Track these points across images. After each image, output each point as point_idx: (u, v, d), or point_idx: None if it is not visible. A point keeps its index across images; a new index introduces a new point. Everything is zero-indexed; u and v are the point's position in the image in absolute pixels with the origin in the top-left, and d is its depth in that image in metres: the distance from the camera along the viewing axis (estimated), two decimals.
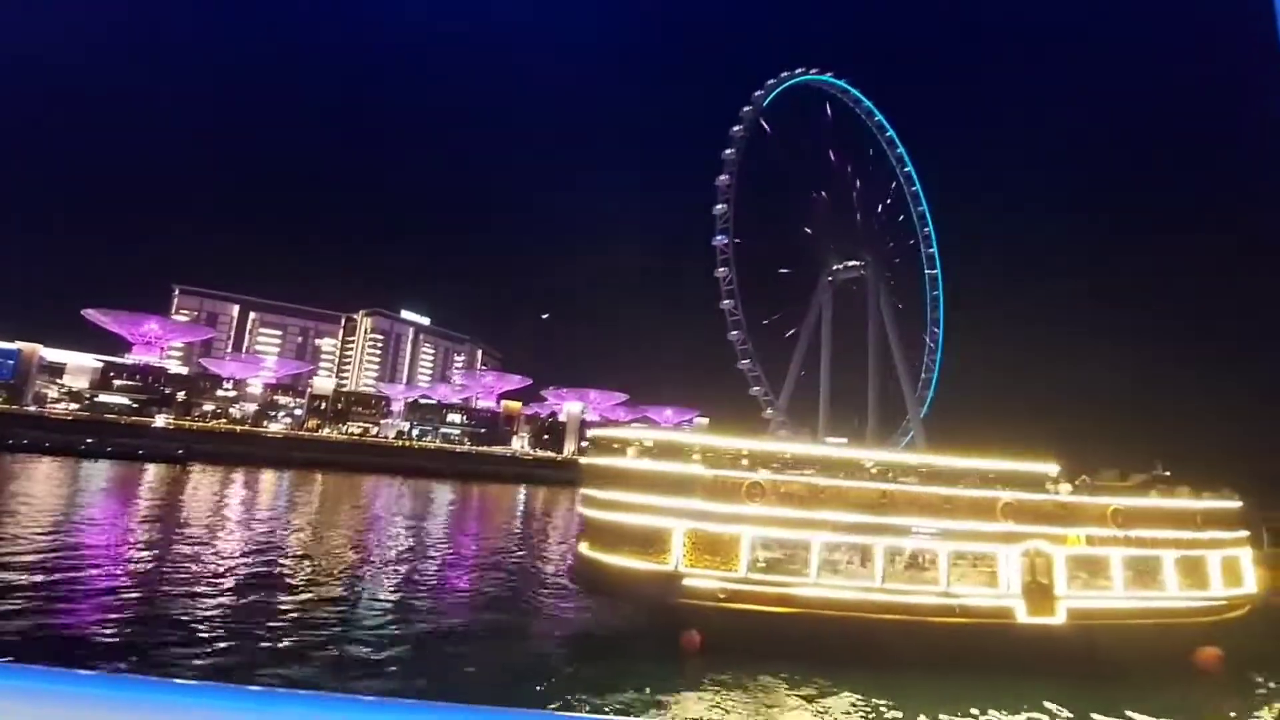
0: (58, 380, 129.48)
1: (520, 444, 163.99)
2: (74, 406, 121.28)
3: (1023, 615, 20.40)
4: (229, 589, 24.08)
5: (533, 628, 22.33)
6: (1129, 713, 17.07)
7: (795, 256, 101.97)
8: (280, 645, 18.33)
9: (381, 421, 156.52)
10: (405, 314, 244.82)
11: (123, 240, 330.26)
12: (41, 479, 58.35)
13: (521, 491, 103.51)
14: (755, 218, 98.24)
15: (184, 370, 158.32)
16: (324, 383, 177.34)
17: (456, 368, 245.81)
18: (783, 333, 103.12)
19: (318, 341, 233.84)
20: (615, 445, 23.76)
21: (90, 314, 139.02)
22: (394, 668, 17.24)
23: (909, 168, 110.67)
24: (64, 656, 15.94)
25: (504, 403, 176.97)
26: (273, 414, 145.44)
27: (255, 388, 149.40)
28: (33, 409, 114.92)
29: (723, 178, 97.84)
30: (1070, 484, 24.15)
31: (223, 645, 18.01)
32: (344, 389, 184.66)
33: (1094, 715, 16.75)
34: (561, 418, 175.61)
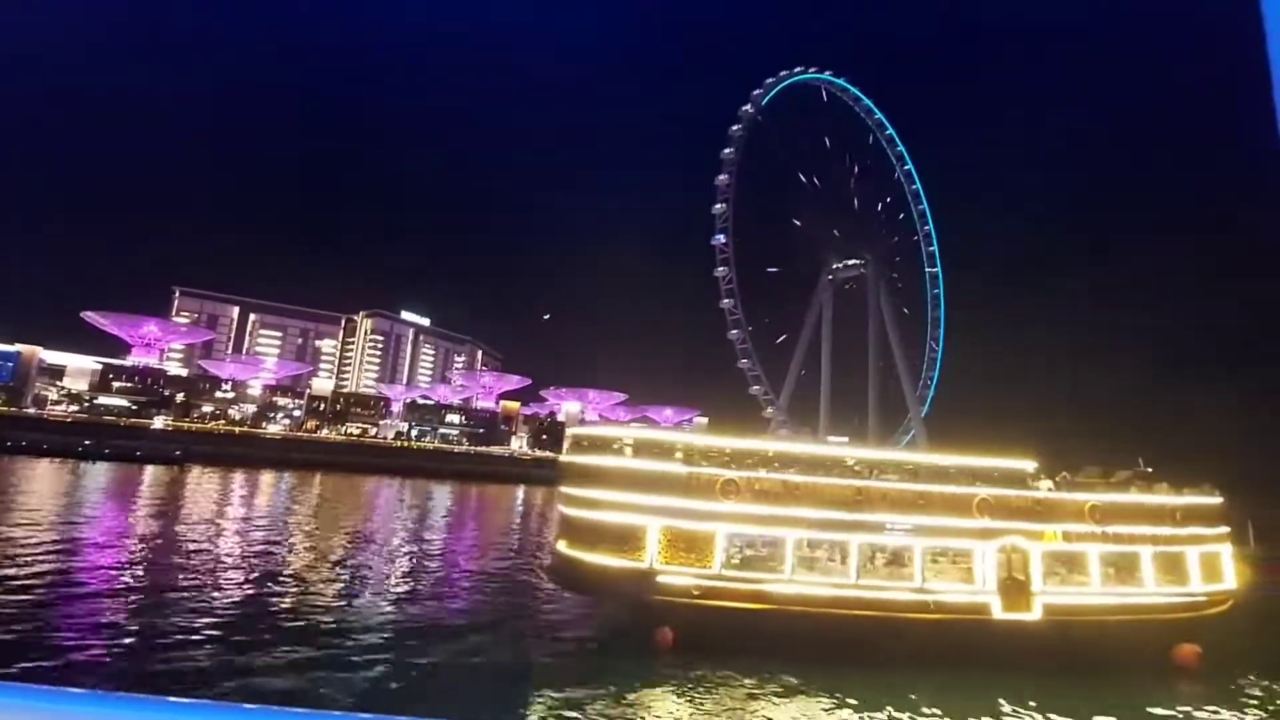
0: (57, 382, 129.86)
1: (519, 444, 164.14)
2: (73, 409, 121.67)
3: (999, 611, 20.41)
4: (223, 596, 23.85)
5: (510, 628, 22.34)
6: (1103, 709, 17.05)
7: (795, 255, 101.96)
8: (272, 658, 17.97)
9: (380, 422, 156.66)
10: (405, 315, 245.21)
11: (123, 240, 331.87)
12: (38, 480, 58.62)
13: (520, 491, 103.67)
14: (755, 217, 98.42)
15: (184, 372, 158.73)
16: (323, 384, 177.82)
17: (457, 368, 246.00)
18: (783, 332, 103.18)
19: (318, 343, 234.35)
20: (593, 444, 23.82)
21: (90, 316, 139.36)
22: (387, 681, 16.85)
23: (909, 166, 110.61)
24: (55, 672, 15.84)
25: (502, 403, 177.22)
26: (272, 415, 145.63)
27: (254, 389, 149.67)
28: (32, 411, 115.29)
29: (722, 177, 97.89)
30: (1051, 481, 24.19)
31: (217, 658, 17.59)
32: (344, 390, 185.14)
33: (1068, 711, 16.75)
34: (560, 418, 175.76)
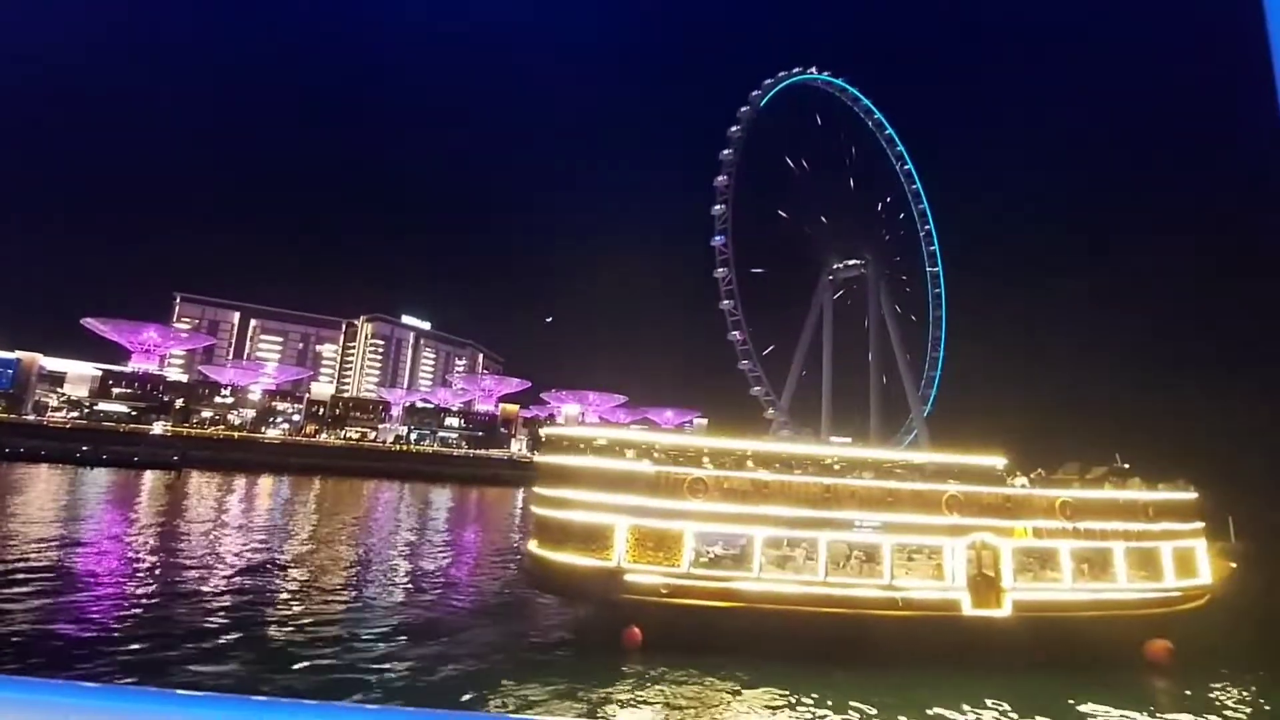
0: (57, 389, 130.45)
1: (518, 447, 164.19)
2: (73, 415, 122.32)
3: (968, 608, 20.40)
4: (224, 595, 24.05)
5: (485, 630, 22.32)
6: (1071, 704, 17.06)
7: (795, 255, 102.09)
8: (272, 652, 18.24)
9: (380, 426, 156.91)
10: (406, 319, 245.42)
11: (122, 242, 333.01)
12: (36, 486, 58.89)
13: (519, 494, 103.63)
14: (754, 218, 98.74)
15: (184, 377, 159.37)
16: (322, 388, 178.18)
17: (458, 372, 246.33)
18: (783, 332, 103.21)
19: (319, 347, 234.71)
20: (564, 443, 23.89)
21: (90, 323, 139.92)
22: (385, 675, 17.11)
23: (909, 165, 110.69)
24: (63, 666, 16.05)
25: (502, 406, 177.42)
26: (271, 420, 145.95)
27: (254, 394, 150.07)
28: (32, 418, 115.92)
29: (721, 178, 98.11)
30: (1026, 477, 24.20)
31: (220, 652, 17.85)
32: (344, 394, 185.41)
33: (1037, 708, 16.72)
34: (560, 420, 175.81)
